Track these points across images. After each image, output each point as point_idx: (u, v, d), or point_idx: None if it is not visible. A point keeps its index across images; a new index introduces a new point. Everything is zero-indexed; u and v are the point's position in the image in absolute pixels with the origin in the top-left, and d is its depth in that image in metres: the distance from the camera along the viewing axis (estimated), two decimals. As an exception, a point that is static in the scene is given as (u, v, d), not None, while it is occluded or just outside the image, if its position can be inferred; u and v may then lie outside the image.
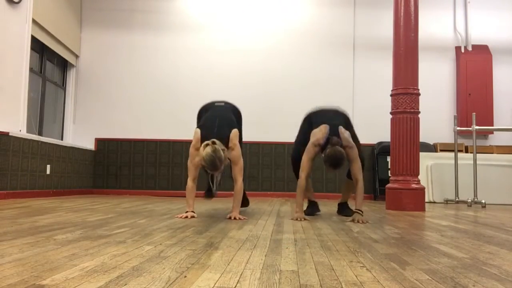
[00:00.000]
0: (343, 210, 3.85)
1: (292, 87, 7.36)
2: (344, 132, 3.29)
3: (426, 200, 5.38)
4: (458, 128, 6.16)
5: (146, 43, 7.41)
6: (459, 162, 6.09)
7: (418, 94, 4.66)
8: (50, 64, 6.81)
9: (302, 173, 3.33)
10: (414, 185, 4.52)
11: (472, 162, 5.88)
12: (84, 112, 7.31)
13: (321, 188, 7.04)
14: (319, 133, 3.34)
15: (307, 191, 3.60)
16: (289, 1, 7.53)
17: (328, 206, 4.81)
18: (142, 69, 7.38)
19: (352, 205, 3.54)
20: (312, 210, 3.85)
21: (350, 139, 3.31)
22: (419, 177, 4.66)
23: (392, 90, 4.71)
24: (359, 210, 3.16)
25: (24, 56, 5.52)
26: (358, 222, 3.03)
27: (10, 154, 4.90)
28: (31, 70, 5.89)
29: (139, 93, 7.35)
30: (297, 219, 3.11)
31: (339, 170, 3.16)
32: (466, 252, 1.83)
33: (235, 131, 3.35)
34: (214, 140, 3.10)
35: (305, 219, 3.14)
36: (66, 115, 7.27)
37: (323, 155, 3.24)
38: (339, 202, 3.97)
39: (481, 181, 6.02)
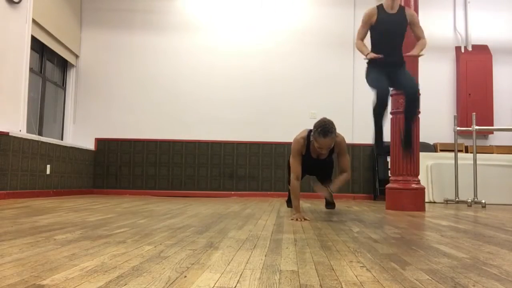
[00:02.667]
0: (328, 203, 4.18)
1: (292, 87, 7.37)
2: None
3: (426, 200, 5.38)
4: (458, 128, 6.16)
5: (146, 43, 7.41)
6: (459, 162, 6.09)
7: (418, 94, 4.65)
8: (50, 64, 6.81)
9: (292, 175, 3.31)
10: (414, 185, 4.51)
11: (472, 162, 5.88)
12: (84, 112, 7.32)
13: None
14: (300, 132, 3.38)
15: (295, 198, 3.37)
16: (290, 1, 7.53)
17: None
18: (142, 69, 7.38)
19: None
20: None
21: (340, 134, 3.30)
22: (419, 177, 4.66)
23: (392, 90, 4.70)
24: (329, 189, 3.18)
25: (24, 56, 5.52)
26: (321, 194, 3.04)
27: (10, 154, 4.90)
28: (31, 70, 5.89)
29: (139, 93, 7.35)
30: (296, 220, 3.09)
31: (331, 139, 3.05)
32: (466, 252, 1.83)
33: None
34: None
35: (305, 219, 3.13)
36: (66, 115, 7.27)
37: (311, 134, 3.19)
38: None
39: (481, 181, 6.02)
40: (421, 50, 3.69)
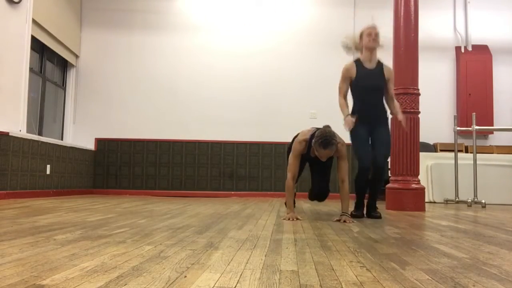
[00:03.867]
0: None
1: (292, 87, 7.37)
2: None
3: (426, 200, 5.38)
4: (458, 128, 6.15)
5: (146, 43, 7.41)
6: (459, 162, 6.09)
7: (418, 94, 4.65)
8: (50, 64, 6.81)
9: (289, 174, 3.32)
10: (414, 185, 4.51)
11: (472, 162, 5.88)
12: (84, 112, 7.32)
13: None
14: (304, 133, 3.36)
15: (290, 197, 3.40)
16: (289, 1, 7.53)
17: (329, 206, 4.81)
18: (142, 69, 7.38)
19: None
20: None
21: (340, 139, 3.29)
22: (419, 177, 4.65)
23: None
24: (345, 213, 3.16)
25: (24, 56, 5.52)
26: (345, 222, 3.04)
27: (10, 154, 4.90)
28: (31, 70, 5.89)
29: (139, 93, 7.35)
30: (289, 219, 3.10)
31: (331, 150, 3.05)
32: (466, 252, 1.83)
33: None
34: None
35: (297, 218, 3.13)
36: (66, 115, 7.27)
37: (313, 141, 3.18)
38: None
39: (481, 181, 6.01)
40: (400, 112, 3.67)
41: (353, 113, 3.57)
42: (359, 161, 3.53)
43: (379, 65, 3.61)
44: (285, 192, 3.37)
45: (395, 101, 3.71)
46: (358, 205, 3.71)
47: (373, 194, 3.71)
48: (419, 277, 1.33)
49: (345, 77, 3.59)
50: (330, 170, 3.72)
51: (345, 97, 3.60)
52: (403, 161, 4.55)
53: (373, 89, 3.56)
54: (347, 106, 3.57)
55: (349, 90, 3.66)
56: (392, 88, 3.69)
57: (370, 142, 3.61)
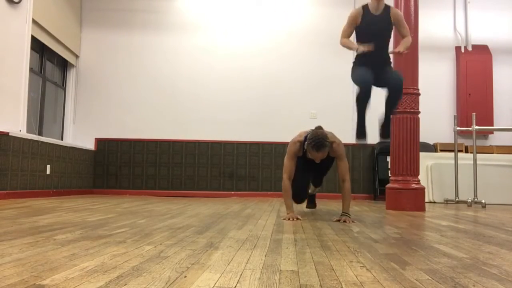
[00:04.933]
0: None
1: (292, 87, 7.37)
2: (328, 132, 3.27)
3: (426, 200, 5.38)
4: (458, 128, 6.15)
5: (146, 43, 7.41)
6: (459, 162, 6.09)
7: (418, 94, 4.65)
8: (50, 64, 6.81)
9: (285, 175, 3.33)
10: (414, 185, 4.51)
11: (472, 162, 5.88)
12: (84, 112, 7.32)
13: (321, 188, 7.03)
14: (300, 134, 3.37)
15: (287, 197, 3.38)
16: (290, 2, 7.52)
17: (328, 206, 4.81)
18: (142, 69, 7.38)
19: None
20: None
21: (336, 138, 3.29)
22: (419, 177, 4.65)
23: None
24: (346, 213, 3.16)
25: (24, 56, 5.52)
26: (345, 222, 3.03)
27: (10, 154, 4.90)
28: (31, 70, 5.89)
29: (139, 93, 7.35)
30: (289, 219, 3.10)
31: (323, 152, 3.05)
32: (466, 252, 1.83)
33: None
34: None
35: (297, 218, 3.12)
36: (66, 115, 7.27)
37: (305, 144, 3.17)
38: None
39: (481, 181, 6.01)
40: (406, 47, 3.65)
41: (356, 57, 3.61)
42: (358, 83, 3.53)
43: (386, 10, 3.66)
44: (282, 192, 3.37)
45: (406, 38, 3.68)
46: (362, 128, 3.69)
47: (390, 107, 3.67)
48: (419, 277, 1.33)
49: (351, 23, 3.68)
50: (327, 171, 3.73)
51: (347, 38, 3.65)
52: (403, 161, 4.56)
53: (379, 34, 3.60)
54: (352, 41, 3.61)
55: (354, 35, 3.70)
56: (403, 31, 3.68)
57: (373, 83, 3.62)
